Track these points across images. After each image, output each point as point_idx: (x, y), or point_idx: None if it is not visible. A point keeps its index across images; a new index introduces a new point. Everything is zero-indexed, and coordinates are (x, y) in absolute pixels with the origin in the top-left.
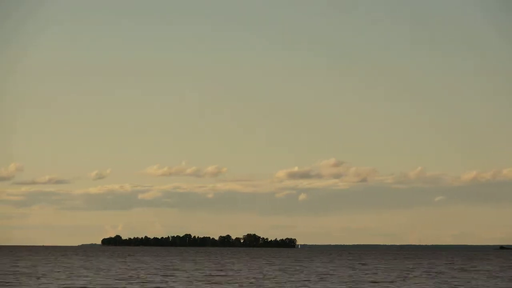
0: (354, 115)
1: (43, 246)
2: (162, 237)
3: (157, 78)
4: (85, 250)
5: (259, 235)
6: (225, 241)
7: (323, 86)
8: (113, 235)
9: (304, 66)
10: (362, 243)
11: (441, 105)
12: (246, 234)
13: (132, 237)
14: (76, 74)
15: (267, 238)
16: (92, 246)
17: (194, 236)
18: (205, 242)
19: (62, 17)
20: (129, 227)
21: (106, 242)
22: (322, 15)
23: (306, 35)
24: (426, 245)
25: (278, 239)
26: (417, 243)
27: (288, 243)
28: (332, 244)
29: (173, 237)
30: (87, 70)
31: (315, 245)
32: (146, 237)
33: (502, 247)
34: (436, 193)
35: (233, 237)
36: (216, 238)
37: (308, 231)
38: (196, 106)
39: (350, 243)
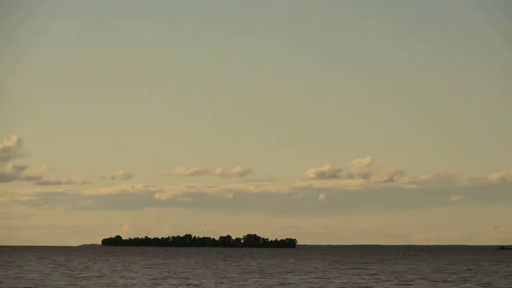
0: (381, 116)
1: (43, 246)
2: (163, 237)
3: (178, 79)
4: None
5: (259, 236)
6: (225, 242)
7: (347, 88)
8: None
9: (331, 68)
10: (366, 243)
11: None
12: (246, 234)
13: (132, 238)
14: (95, 75)
15: (267, 239)
16: (93, 246)
17: (195, 237)
18: (205, 242)
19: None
20: (138, 226)
21: (106, 242)
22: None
23: (330, 38)
24: (424, 245)
25: (278, 239)
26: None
27: (288, 243)
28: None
29: (173, 237)
30: (104, 71)
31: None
32: (146, 237)
33: (502, 248)
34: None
35: (234, 238)
36: (217, 238)
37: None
38: (223, 107)
39: (354, 243)
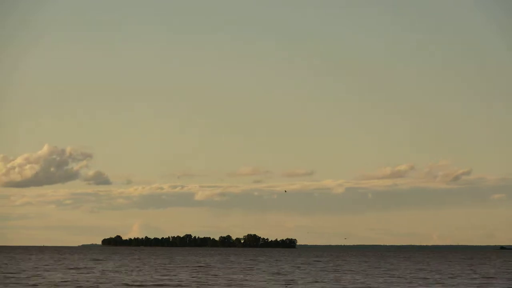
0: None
1: (43, 247)
2: (163, 237)
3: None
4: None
5: (259, 236)
6: (225, 242)
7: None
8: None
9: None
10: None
11: None
12: (246, 234)
13: (132, 238)
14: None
15: (267, 239)
16: (93, 246)
17: (195, 237)
18: (205, 242)
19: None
20: (153, 226)
21: (106, 242)
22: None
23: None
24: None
25: (278, 239)
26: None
27: (288, 243)
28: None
29: (173, 237)
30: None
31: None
32: (146, 237)
33: (502, 248)
34: None
35: (234, 238)
36: (217, 238)
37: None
38: (281, 109)
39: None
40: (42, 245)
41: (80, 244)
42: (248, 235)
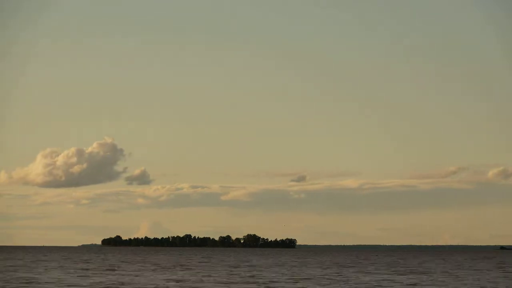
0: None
1: (43, 247)
2: (162, 238)
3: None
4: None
5: (259, 236)
6: (225, 242)
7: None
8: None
9: None
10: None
11: None
12: (246, 234)
13: (132, 238)
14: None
15: (267, 239)
16: (93, 246)
17: (194, 237)
18: (205, 242)
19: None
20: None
21: (106, 242)
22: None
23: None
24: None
25: (278, 239)
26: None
27: (288, 244)
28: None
29: (173, 237)
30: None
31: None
32: (146, 237)
33: (502, 248)
34: None
35: (233, 238)
36: (216, 238)
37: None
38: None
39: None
40: (42, 245)
41: (80, 244)
42: (248, 235)
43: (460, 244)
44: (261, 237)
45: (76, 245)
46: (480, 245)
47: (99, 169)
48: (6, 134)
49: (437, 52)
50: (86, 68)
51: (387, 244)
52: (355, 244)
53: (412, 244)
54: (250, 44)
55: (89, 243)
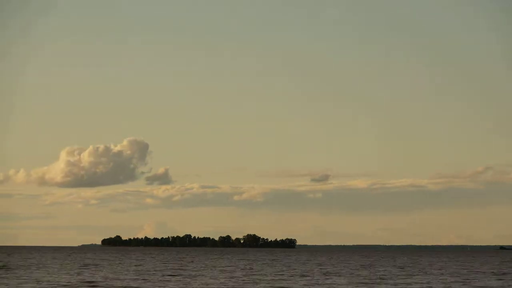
0: None
1: (42, 247)
2: (162, 238)
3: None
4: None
5: (259, 236)
6: (225, 242)
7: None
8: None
9: None
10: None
11: None
12: (246, 234)
13: (132, 238)
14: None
15: (267, 239)
16: (92, 246)
17: (194, 237)
18: (205, 242)
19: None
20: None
21: (106, 242)
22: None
23: None
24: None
25: (278, 239)
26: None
27: (288, 244)
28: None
29: (173, 237)
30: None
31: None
32: (146, 237)
33: (502, 248)
34: None
35: (233, 238)
36: (216, 238)
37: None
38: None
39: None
40: (42, 245)
41: (80, 244)
42: (248, 235)
43: (459, 244)
44: (261, 237)
45: (76, 245)
46: (480, 245)
47: (119, 169)
48: (28, 133)
49: (450, 52)
50: (105, 68)
51: (387, 244)
52: (355, 244)
53: (411, 244)
54: (259, 44)
55: (89, 243)
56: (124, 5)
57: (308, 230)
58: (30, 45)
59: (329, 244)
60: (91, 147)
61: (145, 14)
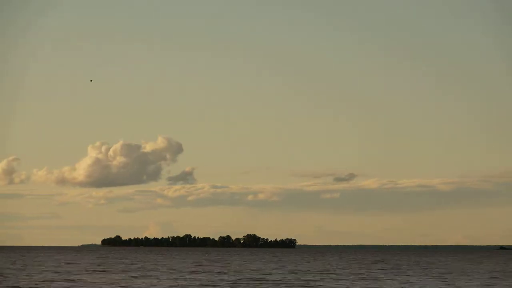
0: None
1: (43, 247)
2: (162, 238)
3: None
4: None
5: (259, 235)
6: (225, 242)
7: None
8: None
9: None
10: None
11: None
12: (246, 234)
13: (132, 238)
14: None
15: (267, 239)
16: (92, 246)
17: (194, 237)
18: (205, 242)
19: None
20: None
21: (106, 242)
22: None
23: None
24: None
25: (278, 239)
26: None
27: (288, 244)
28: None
29: (173, 237)
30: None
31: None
32: (146, 237)
33: (502, 247)
34: None
35: (233, 238)
36: (216, 238)
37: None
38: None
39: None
40: (42, 245)
41: (80, 244)
42: (248, 235)
43: (459, 244)
44: (261, 237)
45: (76, 245)
46: (480, 245)
47: (141, 169)
48: (52, 132)
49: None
50: (103, 68)
51: (387, 244)
52: (354, 244)
53: (412, 244)
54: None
55: (89, 243)
56: (124, 5)
57: (310, 229)
58: (30, 45)
59: (335, 244)
60: (114, 145)
61: (145, 14)
